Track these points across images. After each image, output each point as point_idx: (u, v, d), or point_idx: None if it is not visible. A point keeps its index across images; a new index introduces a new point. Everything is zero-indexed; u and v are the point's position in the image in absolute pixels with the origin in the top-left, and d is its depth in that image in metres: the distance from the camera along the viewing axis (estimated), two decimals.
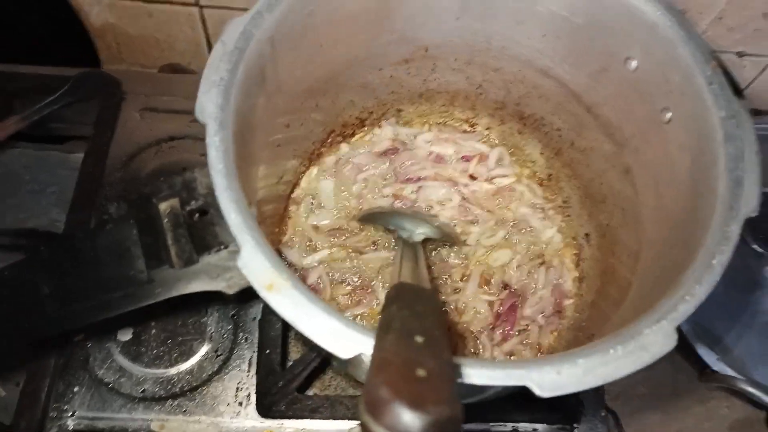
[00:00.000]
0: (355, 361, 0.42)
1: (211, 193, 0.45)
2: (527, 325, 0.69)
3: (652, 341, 0.38)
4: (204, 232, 0.46)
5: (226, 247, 0.45)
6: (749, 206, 0.43)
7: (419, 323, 0.35)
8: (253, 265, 0.41)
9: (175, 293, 0.48)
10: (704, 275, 0.41)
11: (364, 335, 0.38)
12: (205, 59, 0.54)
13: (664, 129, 0.53)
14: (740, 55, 1.01)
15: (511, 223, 0.74)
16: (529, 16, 0.60)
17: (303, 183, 0.75)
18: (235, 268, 0.47)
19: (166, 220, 0.47)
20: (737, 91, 0.47)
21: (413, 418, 0.26)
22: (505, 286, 0.70)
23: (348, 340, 0.38)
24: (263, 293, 0.40)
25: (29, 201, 0.84)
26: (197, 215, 0.47)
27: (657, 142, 0.55)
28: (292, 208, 0.73)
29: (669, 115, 0.53)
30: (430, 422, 0.26)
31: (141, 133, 0.85)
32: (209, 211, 0.47)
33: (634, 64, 0.55)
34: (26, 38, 0.98)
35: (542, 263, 0.71)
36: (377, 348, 0.33)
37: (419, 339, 0.33)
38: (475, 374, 0.37)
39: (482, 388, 0.48)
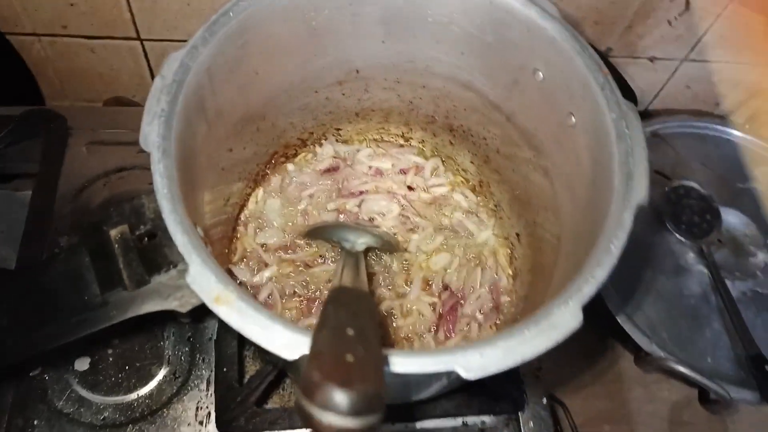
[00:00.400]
0: (302, 362, 0.45)
1: (158, 217, 0.48)
2: (468, 324, 0.74)
3: (560, 320, 0.43)
4: (154, 254, 0.49)
5: (175, 267, 0.48)
6: (639, 196, 0.49)
7: (352, 319, 0.39)
8: (201, 280, 0.44)
9: (130, 314, 0.51)
10: (604, 258, 0.46)
11: (306, 337, 0.42)
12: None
13: (570, 132, 0.59)
14: (652, 59, 1.10)
15: (449, 229, 0.79)
16: (446, 36, 0.66)
17: (250, 204, 0.78)
18: (185, 287, 0.51)
19: (116, 246, 0.49)
20: (626, 91, 0.53)
21: (342, 395, 0.30)
22: (446, 287, 0.75)
23: (292, 343, 0.42)
24: (212, 306, 0.43)
25: None
26: (146, 239, 0.50)
27: (566, 144, 0.61)
28: (241, 228, 0.77)
29: (573, 119, 0.59)
30: (356, 397, 0.30)
31: (89, 166, 0.87)
32: (157, 234, 0.50)
33: (540, 75, 0.61)
34: None
35: (478, 264, 0.76)
36: (313, 342, 0.37)
37: (350, 332, 0.37)
38: (407, 362, 0.41)
39: (423, 380, 0.53)
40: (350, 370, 0.32)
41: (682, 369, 0.82)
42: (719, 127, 1.12)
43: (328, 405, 0.30)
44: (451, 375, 0.52)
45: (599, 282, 0.45)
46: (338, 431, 0.30)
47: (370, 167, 0.81)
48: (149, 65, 1.04)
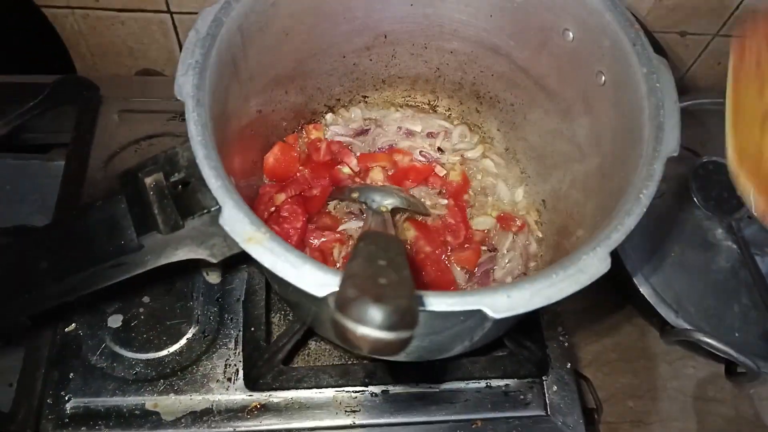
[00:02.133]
0: (323, 311, 0.46)
1: (192, 165, 0.49)
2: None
3: (588, 264, 0.43)
4: (187, 200, 0.50)
5: (208, 212, 0.50)
6: (669, 147, 0.49)
7: (383, 253, 0.39)
8: (234, 221, 0.45)
9: (164, 260, 0.52)
10: (633, 208, 0.46)
11: (335, 276, 0.43)
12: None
13: (600, 91, 0.59)
14: (682, 34, 1.08)
15: (479, 192, 0.79)
16: None
17: None
18: (217, 235, 0.52)
19: (151, 193, 0.51)
20: (657, 49, 0.53)
21: (376, 309, 0.31)
22: (492, 249, 0.75)
23: (321, 280, 0.43)
24: (245, 245, 0.44)
25: (11, 209, 0.87)
26: (180, 186, 0.52)
27: (595, 104, 0.61)
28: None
29: (603, 78, 0.58)
30: (390, 311, 0.31)
31: (120, 133, 0.89)
32: (191, 182, 0.51)
33: (570, 35, 0.61)
34: (1, 49, 1.00)
35: (508, 228, 0.76)
36: (346, 269, 0.37)
37: (382, 262, 0.37)
38: (436, 302, 0.42)
39: (450, 327, 0.53)
40: (384, 290, 0.33)
41: (709, 340, 0.81)
42: None
43: (363, 318, 0.31)
44: (477, 325, 0.52)
45: (628, 229, 0.45)
46: (372, 343, 0.31)
47: (399, 128, 0.82)
48: (178, 39, 1.05)
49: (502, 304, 0.42)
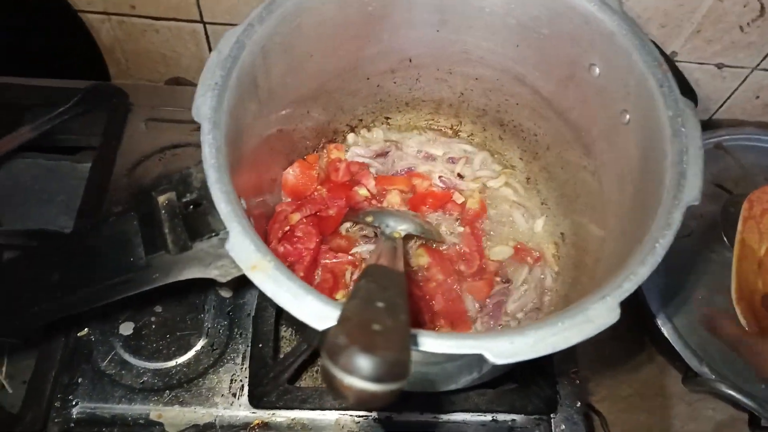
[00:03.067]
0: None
1: (204, 186, 0.49)
2: (508, 321, 0.73)
3: (596, 315, 0.42)
4: (198, 221, 0.50)
5: (217, 235, 0.50)
6: (691, 195, 0.47)
7: (382, 293, 0.39)
8: (240, 248, 0.45)
9: (171, 279, 0.52)
10: (647, 257, 0.45)
11: (336, 309, 0.42)
12: None
13: (623, 130, 0.58)
14: (719, 66, 1.06)
15: (497, 221, 0.78)
16: (502, 28, 0.65)
17: None
18: (226, 256, 0.52)
19: (163, 212, 0.51)
20: (686, 90, 0.51)
21: (365, 360, 0.30)
22: (506, 280, 0.74)
23: (322, 313, 0.42)
24: (248, 272, 0.44)
25: (38, 209, 0.89)
26: (192, 207, 0.52)
27: (618, 142, 0.59)
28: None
29: (628, 116, 0.57)
30: (379, 363, 0.30)
31: (146, 142, 0.90)
32: (203, 203, 0.51)
33: (596, 70, 0.60)
34: (39, 53, 1.03)
35: (523, 260, 0.75)
36: (342, 310, 0.37)
37: (380, 304, 0.37)
38: (435, 344, 0.41)
39: (452, 367, 0.52)
40: (375, 338, 0.33)
41: (734, 393, 0.78)
42: None
43: (351, 368, 0.30)
44: (481, 364, 0.51)
45: (640, 279, 0.44)
46: (358, 393, 0.30)
47: (420, 151, 0.81)
48: (210, 48, 1.07)
49: (503, 349, 0.41)
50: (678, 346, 0.84)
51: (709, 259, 0.91)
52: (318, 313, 0.42)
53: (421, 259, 0.72)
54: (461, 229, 0.75)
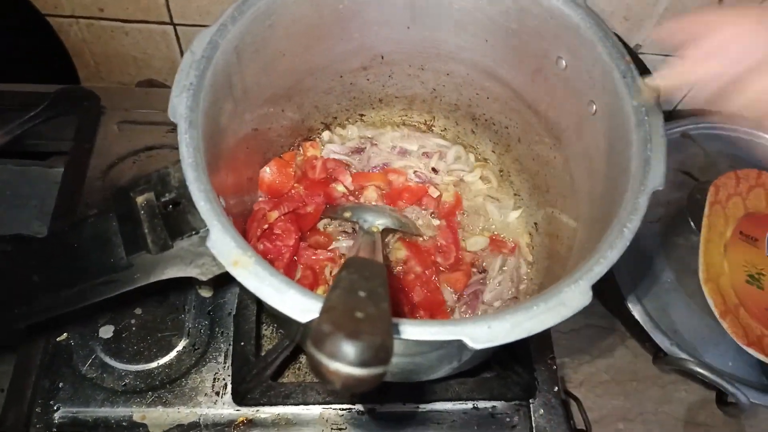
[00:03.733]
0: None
1: (183, 185, 0.49)
2: (486, 310, 0.74)
3: (570, 297, 0.44)
4: (177, 220, 0.51)
5: (197, 233, 0.50)
6: (656, 181, 0.49)
7: (364, 283, 0.40)
8: (221, 244, 0.46)
9: (153, 278, 0.53)
10: (616, 241, 0.47)
11: (318, 302, 0.43)
12: None
13: (591, 120, 0.59)
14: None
15: (472, 213, 0.79)
16: (471, 23, 0.66)
17: None
18: (206, 254, 0.53)
19: (142, 212, 0.51)
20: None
21: (349, 346, 0.31)
22: (482, 270, 0.76)
23: (305, 306, 0.43)
24: (230, 269, 0.45)
25: (10, 214, 0.87)
26: (171, 206, 0.52)
27: (587, 132, 0.61)
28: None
29: (594, 107, 0.59)
30: (363, 348, 0.31)
31: (120, 144, 0.90)
32: (181, 202, 0.52)
33: (563, 63, 0.62)
34: (6, 57, 1.02)
35: (497, 250, 0.77)
36: (325, 300, 0.38)
37: (362, 294, 0.38)
38: (416, 331, 0.42)
39: (433, 354, 0.54)
40: (359, 324, 0.34)
41: (701, 370, 0.81)
42: (750, 130, 1.10)
43: (337, 354, 0.31)
44: (461, 351, 0.53)
45: (610, 262, 0.45)
46: (344, 379, 0.31)
47: (394, 147, 0.82)
48: (181, 50, 1.07)
49: (482, 334, 0.42)
50: (648, 326, 0.87)
51: (677, 244, 0.94)
52: (301, 305, 0.43)
53: (399, 252, 0.74)
54: (437, 222, 0.77)
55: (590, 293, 0.44)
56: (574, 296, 0.44)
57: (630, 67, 0.55)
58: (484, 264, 0.75)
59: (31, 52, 1.04)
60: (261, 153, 0.75)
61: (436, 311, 0.70)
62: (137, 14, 1.00)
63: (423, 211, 0.78)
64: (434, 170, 0.82)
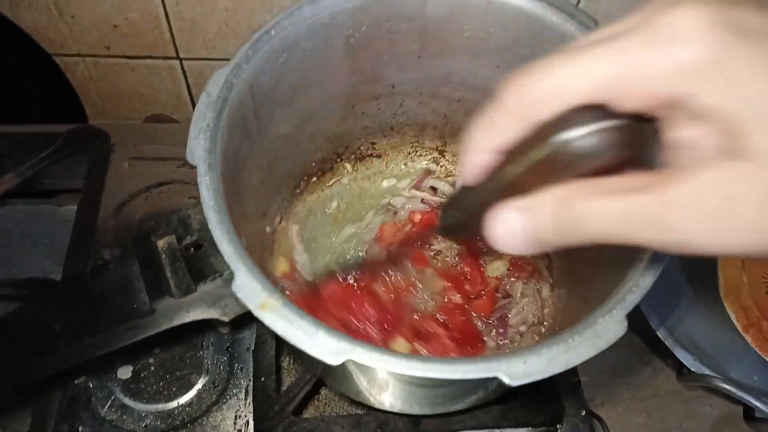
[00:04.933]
0: (343, 369, 0.46)
1: (204, 228, 0.49)
2: (514, 334, 0.73)
3: (605, 329, 0.43)
4: (200, 263, 0.50)
5: (221, 275, 0.50)
6: None
7: None
8: (247, 288, 0.45)
9: (176, 322, 0.52)
10: (649, 268, 0.46)
11: (351, 343, 0.43)
12: (188, 109, 0.57)
13: None
14: None
15: None
16: (482, 51, 0.66)
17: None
18: (229, 295, 0.52)
19: (164, 256, 0.51)
20: None
21: None
22: (506, 295, 0.75)
23: (335, 348, 0.42)
24: (257, 312, 0.44)
25: (21, 254, 0.87)
26: (192, 249, 0.52)
27: None
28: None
29: None
30: None
31: (131, 181, 0.90)
32: (203, 245, 0.51)
33: None
34: (12, 97, 1.02)
35: (518, 276, 0.76)
36: None
37: None
38: (452, 369, 0.42)
39: (464, 388, 0.53)
40: None
41: (728, 386, 0.80)
42: None
43: None
44: (493, 383, 0.52)
45: (643, 291, 0.45)
46: None
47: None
48: (187, 84, 1.07)
49: (518, 371, 0.42)
50: (669, 342, 0.86)
51: (696, 259, 0.93)
52: (332, 347, 0.42)
53: (436, 283, 0.73)
54: (457, 247, 0.76)
55: (625, 323, 0.44)
56: (609, 327, 0.43)
57: None
58: (507, 288, 0.75)
59: (37, 91, 1.04)
60: (275, 185, 0.75)
61: (474, 341, 0.69)
62: (143, 50, 1.00)
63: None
64: (433, 188, 0.81)
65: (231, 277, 0.46)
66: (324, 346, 0.43)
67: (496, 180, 0.33)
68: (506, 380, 0.41)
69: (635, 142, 0.30)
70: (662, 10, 0.29)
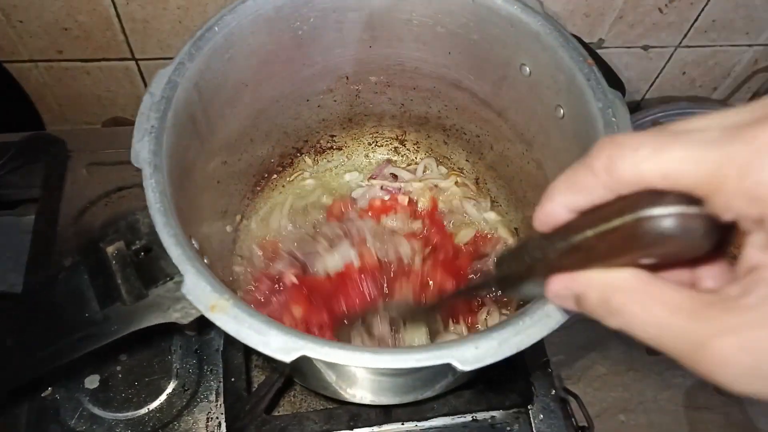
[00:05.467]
0: (309, 365, 0.45)
1: (153, 231, 0.48)
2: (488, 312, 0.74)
3: (554, 308, 0.43)
4: (150, 267, 0.50)
5: (171, 279, 0.49)
6: None
7: None
8: (196, 290, 0.45)
9: (132, 328, 0.51)
10: None
11: (303, 339, 0.43)
12: None
13: (560, 124, 0.59)
14: (645, 48, 1.10)
15: (450, 213, 0.79)
16: (432, 37, 0.66)
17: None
18: (184, 298, 0.51)
19: (114, 262, 0.50)
20: (613, 81, 0.53)
21: None
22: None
23: (287, 345, 0.42)
24: (208, 314, 0.44)
25: None
26: (143, 253, 0.51)
27: (557, 136, 0.61)
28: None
29: (562, 111, 0.59)
30: None
31: (89, 187, 0.88)
32: (153, 248, 0.51)
33: (527, 70, 0.62)
34: None
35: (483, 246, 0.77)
36: None
37: None
38: (404, 359, 0.42)
39: (424, 375, 0.53)
40: None
41: None
42: None
43: None
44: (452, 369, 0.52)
45: None
46: None
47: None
48: (145, 84, 1.05)
49: (469, 355, 0.42)
50: None
51: None
52: (284, 345, 0.42)
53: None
54: (419, 222, 0.76)
55: None
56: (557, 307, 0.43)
57: (593, 70, 0.55)
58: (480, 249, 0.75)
59: None
60: (232, 185, 0.74)
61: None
62: (97, 52, 0.98)
63: (402, 216, 0.77)
64: (394, 176, 0.81)
65: (182, 279, 0.46)
66: (275, 344, 0.42)
67: (566, 239, 0.32)
68: (458, 366, 0.41)
69: (717, 236, 0.28)
70: None
